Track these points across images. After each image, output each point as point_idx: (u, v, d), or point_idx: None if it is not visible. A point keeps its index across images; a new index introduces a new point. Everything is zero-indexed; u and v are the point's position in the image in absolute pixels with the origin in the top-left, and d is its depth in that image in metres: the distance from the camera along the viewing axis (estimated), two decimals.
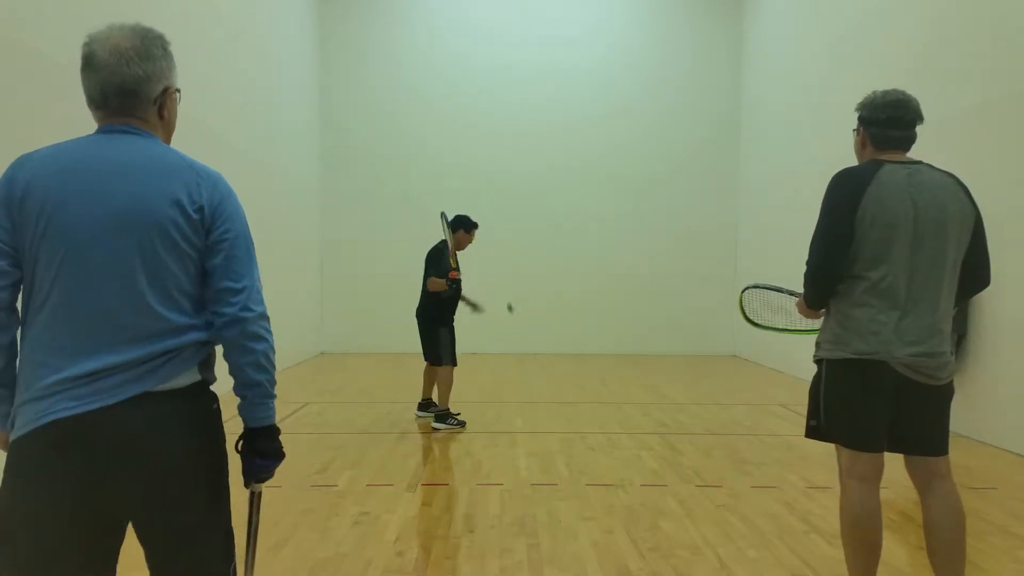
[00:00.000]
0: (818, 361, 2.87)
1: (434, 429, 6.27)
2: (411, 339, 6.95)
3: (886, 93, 2.82)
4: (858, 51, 8.51)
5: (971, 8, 6.48)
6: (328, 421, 6.81)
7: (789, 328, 3.73)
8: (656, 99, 12.52)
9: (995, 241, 2.98)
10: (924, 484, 2.78)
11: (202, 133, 7.11)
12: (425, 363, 6.61)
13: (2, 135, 4.51)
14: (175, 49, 1.85)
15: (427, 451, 5.68)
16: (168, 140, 1.87)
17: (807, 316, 3.08)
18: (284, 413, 7.06)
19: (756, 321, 3.86)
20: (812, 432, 2.90)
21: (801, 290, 2.96)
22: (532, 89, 12.43)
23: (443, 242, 6.53)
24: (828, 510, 4.28)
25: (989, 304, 5.91)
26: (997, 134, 6.08)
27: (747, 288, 3.93)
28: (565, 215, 12.54)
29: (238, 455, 1.86)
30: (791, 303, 3.49)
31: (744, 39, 12.42)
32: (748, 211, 12.27)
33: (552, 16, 12.53)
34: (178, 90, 1.86)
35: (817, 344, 2.88)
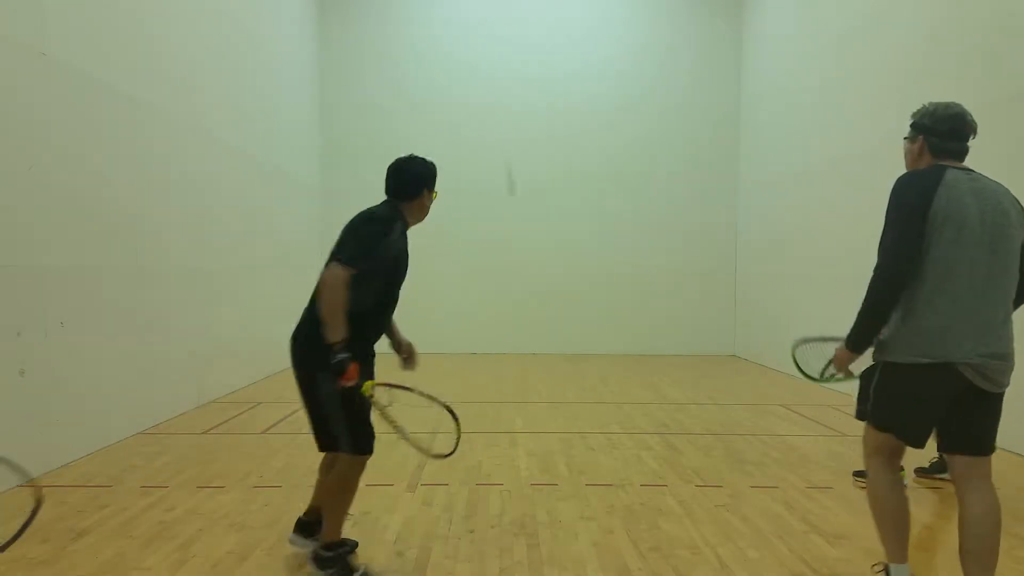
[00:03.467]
0: (877, 361, 2.85)
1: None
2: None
3: (948, 106, 2.84)
4: (858, 51, 8.51)
5: (971, 8, 6.48)
6: None
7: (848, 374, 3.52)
8: (656, 99, 12.53)
9: None
10: (965, 482, 2.81)
11: (201, 133, 7.05)
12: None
13: (5, 136, 4.53)
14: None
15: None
16: None
17: (845, 364, 2.95)
18: (284, 413, 7.06)
19: (816, 377, 3.58)
20: (862, 415, 2.93)
21: (842, 335, 2.86)
22: (532, 89, 12.43)
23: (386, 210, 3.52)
24: (828, 510, 4.28)
25: None
26: (997, 134, 6.07)
27: (797, 345, 3.70)
28: (565, 215, 12.54)
29: None
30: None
31: (744, 39, 12.42)
32: (748, 211, 12.28)
33: (552, 17, 12.54)
34: None
35: (878, 343, 2.82)
